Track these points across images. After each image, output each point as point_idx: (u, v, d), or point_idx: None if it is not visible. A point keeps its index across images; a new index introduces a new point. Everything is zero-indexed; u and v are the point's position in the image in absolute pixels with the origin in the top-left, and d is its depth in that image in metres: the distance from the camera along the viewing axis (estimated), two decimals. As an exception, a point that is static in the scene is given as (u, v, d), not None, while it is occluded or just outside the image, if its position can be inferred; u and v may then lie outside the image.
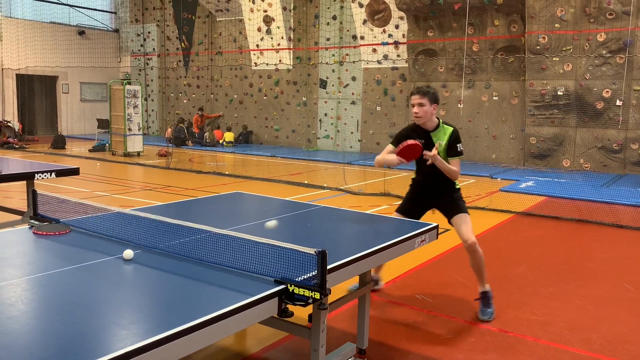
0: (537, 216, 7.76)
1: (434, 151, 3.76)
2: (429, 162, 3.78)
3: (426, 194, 4.10)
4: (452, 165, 3.87)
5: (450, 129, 3.90)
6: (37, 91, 20.45)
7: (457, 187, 4.08)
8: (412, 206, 4.12)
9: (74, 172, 5.44)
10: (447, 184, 4.02)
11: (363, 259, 2.64)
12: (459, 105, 14.04)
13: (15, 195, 7.73)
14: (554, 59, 12.66)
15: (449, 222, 4.07)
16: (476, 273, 4.06)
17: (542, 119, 12.98)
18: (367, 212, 3.89)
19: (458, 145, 3.87)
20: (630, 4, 11.78)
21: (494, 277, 4.99)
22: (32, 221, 3.03)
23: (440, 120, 3.95)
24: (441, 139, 3.89)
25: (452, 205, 4.02)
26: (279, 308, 2.12)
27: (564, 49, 12.54)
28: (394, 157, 3.70)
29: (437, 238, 3.41)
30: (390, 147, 4.06)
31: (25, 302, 1.94)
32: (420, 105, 3.82)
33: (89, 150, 15.34)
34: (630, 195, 9.21)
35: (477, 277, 4.08)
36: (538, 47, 12.75)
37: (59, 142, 16.10)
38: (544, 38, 12.67)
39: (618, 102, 12.12)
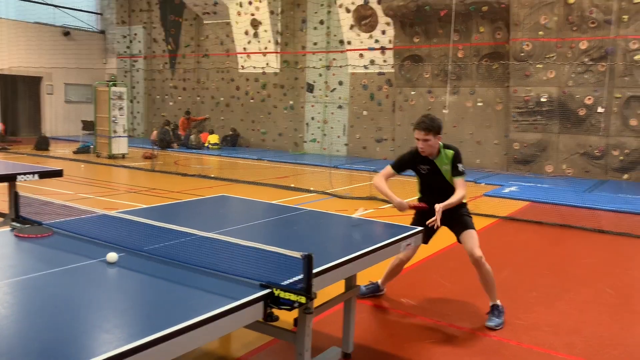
0: (520, 221, 7.83)
1: (438, 216, 3.76)
2: (433, 225, 3.77)
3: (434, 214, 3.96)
4: (457, 185, 3.94)
5: (452, 152, 3.97)
6: (20, 92, 20.18)
7: (463, 201, 4.10)
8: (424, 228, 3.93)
9: (58, 173, 5.38)
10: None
11: (349, 263, 2.64)
12: (443, 111, 14.13)
13: (-3, 197, 7.61)
14: (537, 66, 12.82)
15: (458, 239, 4.10)
16: (484, 288, 4.06)
17: (525, 125, 13.13)
18: (353, 215, 3.90)
19: (459, 165, 3.95)
20: (611, 13, 11.99)
21: (478, 282, 5.02)
22: (14, 223, 2.99)
23: (442, 145, 3.99)
24: (444, 164, 3.97)
25: (459, 222, 4.05)
26: (264, 312, 2.11)
27: (548, 56, 12.71)
28: (402, 204, 3.88)
29: (422, 242, 3.43)
30: (389, 169, 4.13)
31: (5, 306, 1.91)
32: (425, 141, 3.87)
33: (73, 152, 15.16)
34: (612, 201, 9.34)
35: (486, 292, 4.06)
36: (522, 54, 12.90)
37: (43, 144, 15.89)
38: (527, 45, 12.83)
39: (600, 109, 12.31)
